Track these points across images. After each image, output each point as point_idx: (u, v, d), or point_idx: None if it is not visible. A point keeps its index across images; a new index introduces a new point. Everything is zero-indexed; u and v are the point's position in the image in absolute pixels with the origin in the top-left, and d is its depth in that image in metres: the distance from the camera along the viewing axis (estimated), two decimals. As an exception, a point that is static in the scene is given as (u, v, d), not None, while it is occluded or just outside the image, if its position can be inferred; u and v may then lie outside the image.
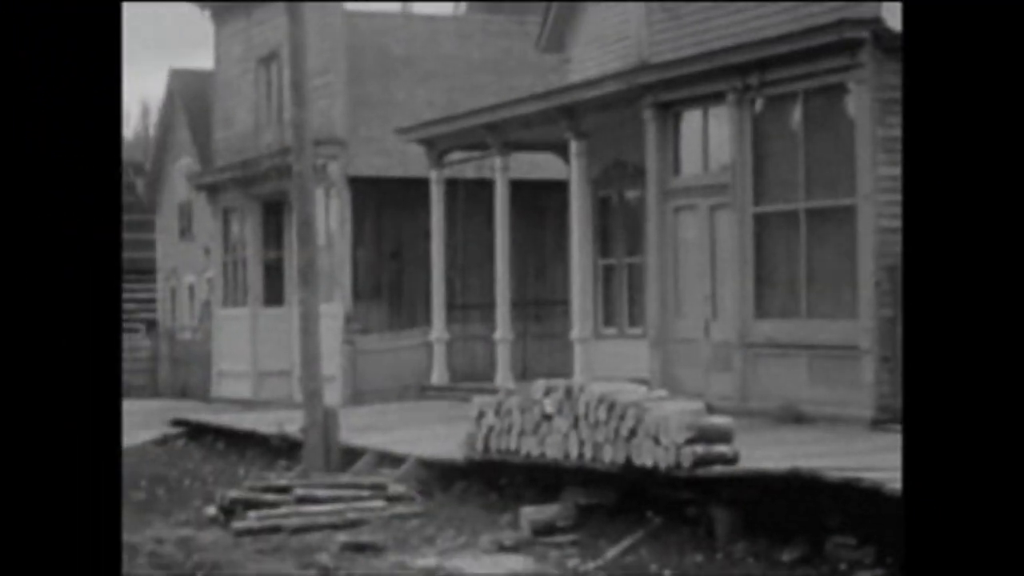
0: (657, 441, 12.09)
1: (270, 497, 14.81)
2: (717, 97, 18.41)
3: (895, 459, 7.60)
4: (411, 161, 26.79)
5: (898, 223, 8.55)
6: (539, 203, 28.16)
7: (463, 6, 33.95)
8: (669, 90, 19.28)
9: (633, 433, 12.38)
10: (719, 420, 12.45)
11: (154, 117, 59.12)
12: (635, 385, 13.87)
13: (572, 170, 22.46)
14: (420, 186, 25.89)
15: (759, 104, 17.93)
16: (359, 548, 12.77)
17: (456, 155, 25.59)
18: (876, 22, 15.95)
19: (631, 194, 22.56)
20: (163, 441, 22.65)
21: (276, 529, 13.79)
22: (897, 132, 12.31)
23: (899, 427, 8.56)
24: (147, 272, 45.96)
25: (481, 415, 14.42)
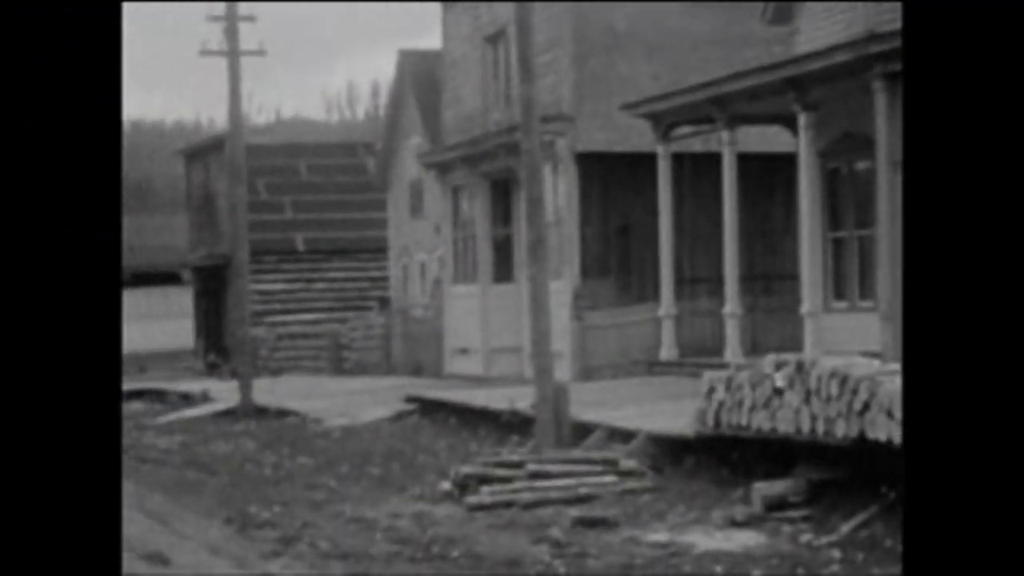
0: (891, 415, 11.92)
1: (503, 472, 15.02)
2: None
3: None
4: (637, 136, 26.74)
5: None
6: (767, 176, 27.86)
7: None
8: (899, 59, 18.92)
9: (866, 407, 12.23)
10: (955, 394, 12.22)
11: (384, 98, 60.06)
12: (867, 359, 13.68)
13: (800, 142, 22.19)
14: (647, 161, 25.85)
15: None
16: (591, 523, 12.88)
17: (682, 129, 25.49)
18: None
19: (861, 166, 22.20)
20: (397, 417, 23.11)
21: (509, 504, 13.97)
22: None
23: None
24: (379, 250, 46.80)
25: (711, 390, 14.39)
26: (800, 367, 13.19)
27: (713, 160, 24.43)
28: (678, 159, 25.81)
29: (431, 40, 62.93)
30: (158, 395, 34.87)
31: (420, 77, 41.00)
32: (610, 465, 15.03)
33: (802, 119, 21.67)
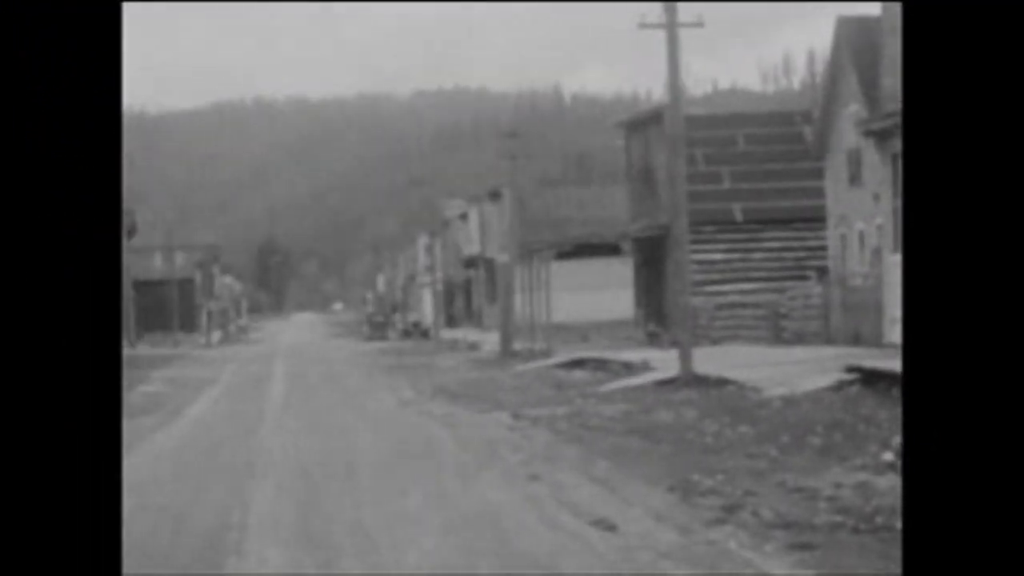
0: None
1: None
2: None
3: None
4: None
5: None
6: None
7: None
8: None
9: None
10: None
11: (820, 66, 59.34)
12: None
13: None
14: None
15: None
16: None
17: None
18: None
19: None
20: (837, 387, 22.92)
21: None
22: None
23: None
24: (817, 220, 46.37)
25: None
26: None
27: None
28: None
29: (869, 7, 61.68)
30: (600, 364, 35.67)
31: (858, 44, 40.37)
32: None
33: None
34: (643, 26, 30.66)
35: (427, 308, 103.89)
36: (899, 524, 11.60)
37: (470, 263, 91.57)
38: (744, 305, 45.40)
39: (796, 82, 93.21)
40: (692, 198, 38.61)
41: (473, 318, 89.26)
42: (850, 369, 23.90)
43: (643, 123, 53.40)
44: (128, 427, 23.71)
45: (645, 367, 31.87)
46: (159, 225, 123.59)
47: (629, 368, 32.78)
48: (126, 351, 70.93)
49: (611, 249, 59.75)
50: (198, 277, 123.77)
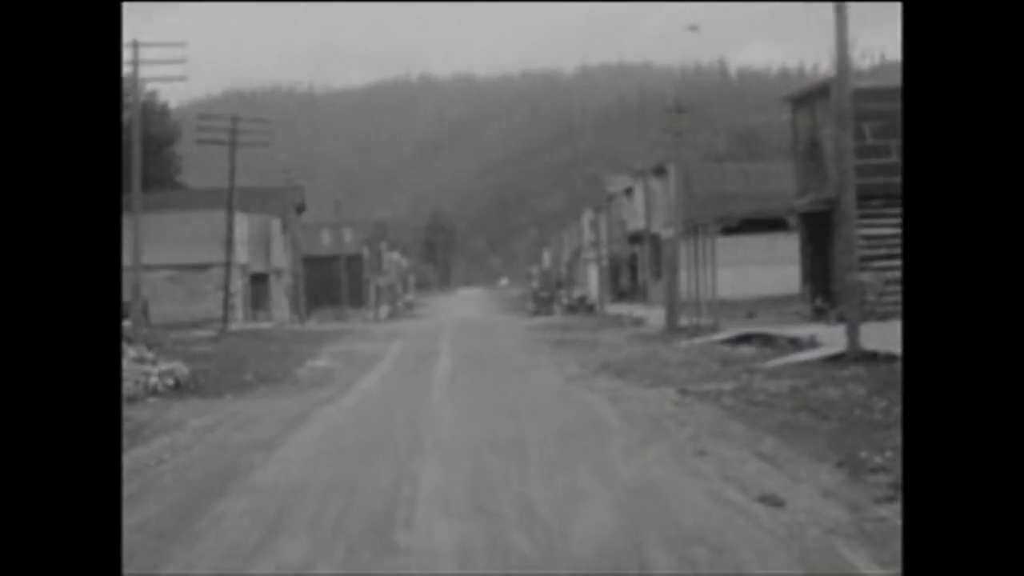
0: None
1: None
2: None
3: None
4: None
5: None
6: None
7: None
8: None
9: None
10: None
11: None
12: None
13: None
14: None
15: None
16: None
17: None
18: None
19: None
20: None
21: None
22: None
23: None
24: None
25: None
26: None
27: None
28: None
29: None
30: (766, 340, 35.43)
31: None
32: None
33: None
34: (810, -1, 30.36)
35: (592, 283, 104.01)
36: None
37: (635, 238, 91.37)
38: (914, 280, 44.59)
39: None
40: (860, 172, 38.12)
41: (638, 293, 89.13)
42: None
43: (810, 97, 52.79)
44: (299, 401, 24.19)
45: (812, 343, 31.60)
46: (327, 202, 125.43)
47: (796, 344, 32.52)
48: (296, 327, 72.15)
49: (777, 224, 59.24)
50: (366, 253, 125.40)
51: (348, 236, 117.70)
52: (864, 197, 41.80)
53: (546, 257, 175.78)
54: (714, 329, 43.44)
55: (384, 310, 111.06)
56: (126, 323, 47.56)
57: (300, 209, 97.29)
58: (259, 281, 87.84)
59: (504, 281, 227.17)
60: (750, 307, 54.89)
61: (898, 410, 18.31)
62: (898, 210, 49.29)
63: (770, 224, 60.24)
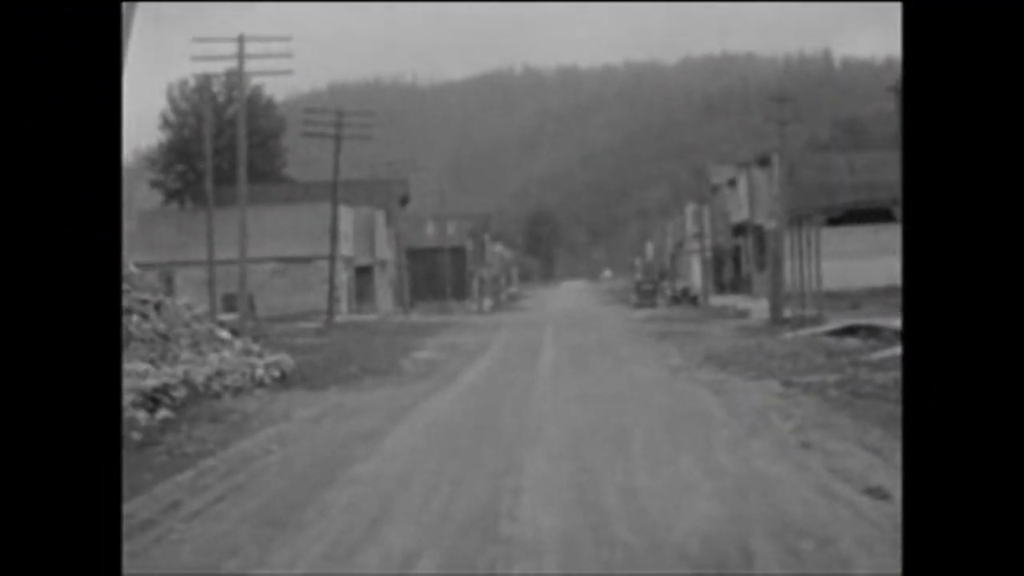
0: None
1: None
2: None
3: None
4: None
5: None
6: None
7: None
8: None
9: None
10: None
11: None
12: None
13: None
14: None
15: None
16: None
17: None
18: None
19: None
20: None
21: None
22: None
23: None
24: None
25: None
26: None
27: None
28: None
29: None
30: (872, 331, 35.11)
31: None
32: None
33: None
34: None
35: (695, 275, 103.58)
36: None
37: (738, 230, 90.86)
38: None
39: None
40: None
41: (742, 285, 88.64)
42: None
43: (917, 85, 52.23)
44: (404, 393, 24.35)
45: (919, 335, 31.25)
46: (431, 194, 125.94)
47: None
48: (400, 319, 72.58)
49: (883, 215, 58.62)
50: (470, 245, 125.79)
51: (452, 228, 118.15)
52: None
53: (649, 249, 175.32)
54: (819, 321, 43.11)
55: (487, 302, 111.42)
56: (233, 316, 48.16)
57: (404, 201, 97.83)
58: (364, 273, 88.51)
59: (607, 273, 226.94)
60: (855, 298, 54.42)
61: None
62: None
63: (875, 215, 59.65)
